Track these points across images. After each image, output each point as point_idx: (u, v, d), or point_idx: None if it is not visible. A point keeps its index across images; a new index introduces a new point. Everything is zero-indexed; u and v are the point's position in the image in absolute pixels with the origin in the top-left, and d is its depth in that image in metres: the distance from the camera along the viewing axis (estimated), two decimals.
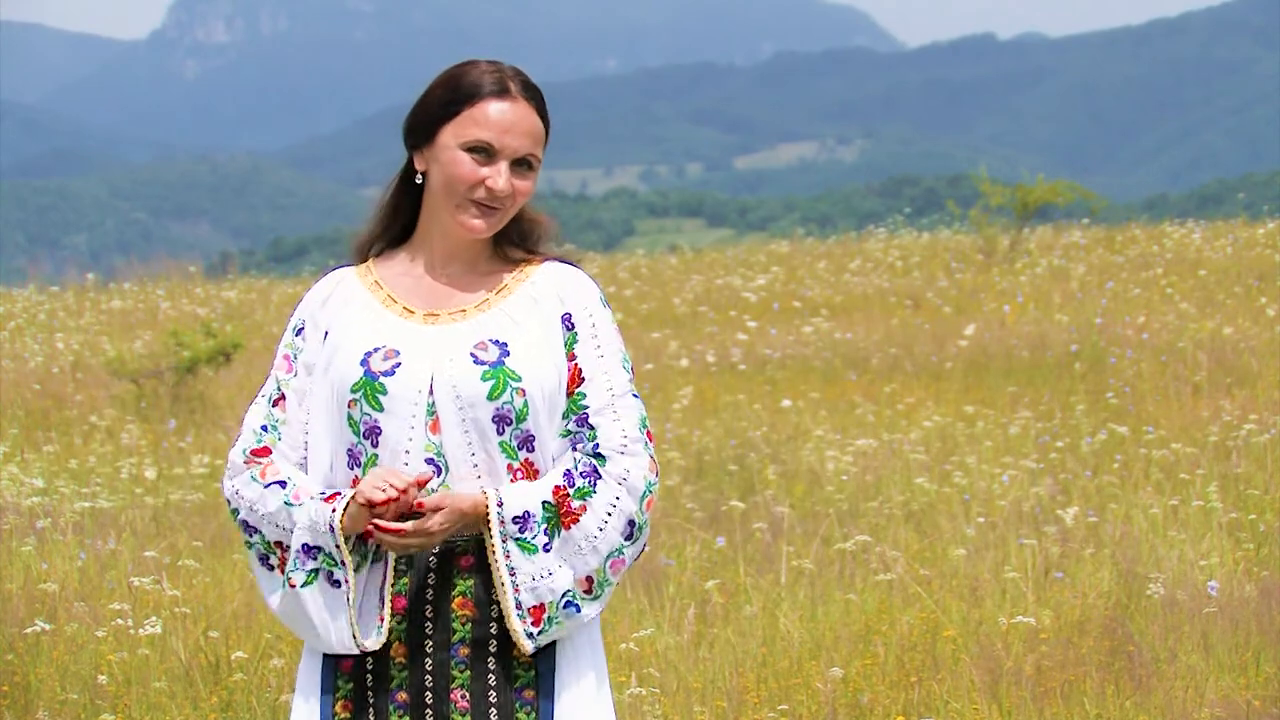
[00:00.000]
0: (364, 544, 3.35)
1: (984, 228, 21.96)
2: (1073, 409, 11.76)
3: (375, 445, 3.33)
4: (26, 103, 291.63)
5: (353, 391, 3.34)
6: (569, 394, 3.40)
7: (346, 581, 3.30)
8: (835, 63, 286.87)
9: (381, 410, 3.33)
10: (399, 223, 3.49)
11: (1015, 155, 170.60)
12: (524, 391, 3.34)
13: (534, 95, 3.42)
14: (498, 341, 3.37)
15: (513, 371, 3.34)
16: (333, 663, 3.37)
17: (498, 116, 3.36)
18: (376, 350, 3.36)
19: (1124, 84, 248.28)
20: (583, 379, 3.41)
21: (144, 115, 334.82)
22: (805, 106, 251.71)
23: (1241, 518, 8.41)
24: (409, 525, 3.27)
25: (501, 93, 3.38)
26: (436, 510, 3.28)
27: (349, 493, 3.31)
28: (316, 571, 3.32)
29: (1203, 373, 12.71)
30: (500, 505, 3.31)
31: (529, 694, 3.34)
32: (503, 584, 3.30)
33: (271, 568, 3.39)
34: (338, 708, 3.36)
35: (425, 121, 3.40)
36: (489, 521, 3.31)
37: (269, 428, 3.42)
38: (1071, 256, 21.12)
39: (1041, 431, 11.02)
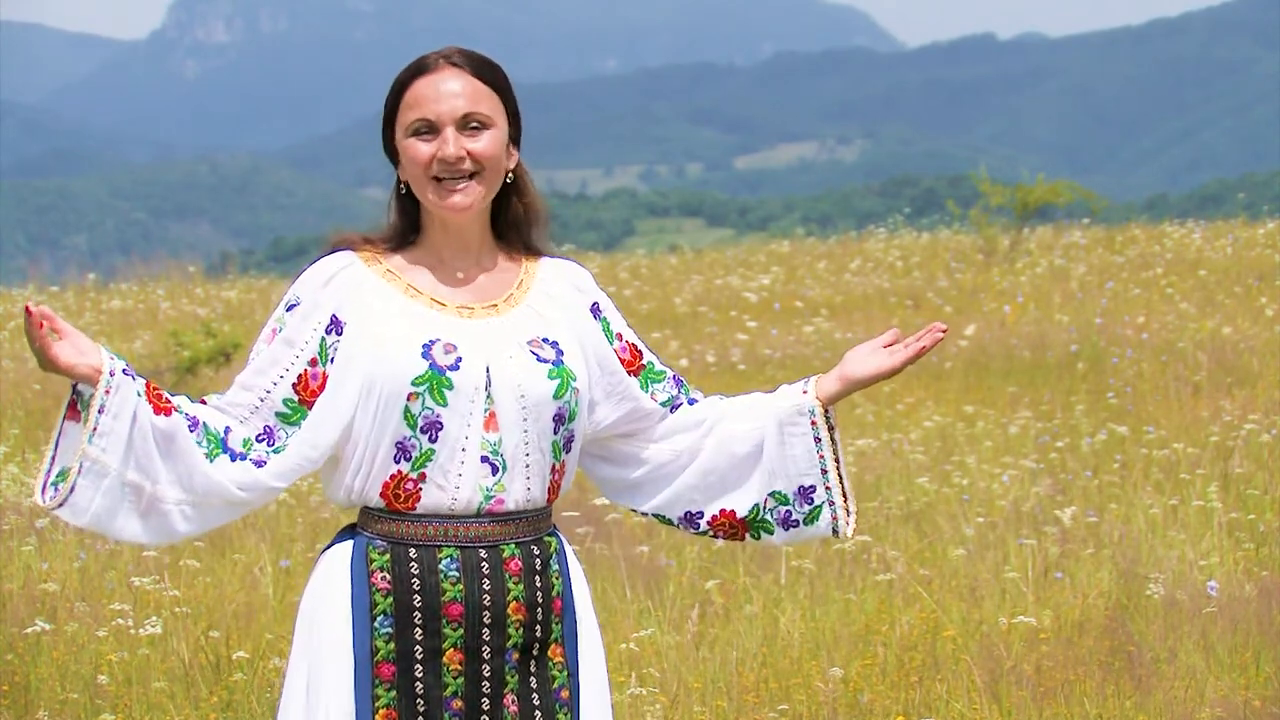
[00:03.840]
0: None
1: (984, 228, 21.95)
2: (1073, 409, 11.76)
3: (433, 440, 3.26)
4: (26, 103, 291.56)
5: (415, 385, 3.25)
6: (637, 371, 3.49)
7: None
8: (835, 63, 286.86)
9: (446, 405, 3.25)
10: (409, 238, 3.43)
11: (1015, 155, 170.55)
12: (578, 391, 3.35)
13: (470, 61, 3.36)
14: (549, 340, 3.35)
15: (571, 371, 3.34)
16: (368, 672, 3.28)
17: (425, 90, 3.33)
18: (435, 342, 3.28)
19: (1124, 84, 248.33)
20: (639, 351, 3.51)
21: (144, 115, 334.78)
22: (805, 106, 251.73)
23: (1241, 518, 8.41)
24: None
25: (423, 71, 3.35)
26: None
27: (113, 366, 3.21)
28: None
29: (1203, 373, 12.70)
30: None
31: (565, 694, 3.34)
32: (843, 478, 3.49)
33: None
34: (379, 717, 3.26)
35: (385, 132, 3.41)
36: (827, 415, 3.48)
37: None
38: (1071, 256, 21.12)
39: (1041, 431, 11.02)
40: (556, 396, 3.31)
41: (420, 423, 3.26)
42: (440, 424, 3.26)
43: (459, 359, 3.28)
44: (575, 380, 3.34)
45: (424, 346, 3.28)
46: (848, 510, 3.45)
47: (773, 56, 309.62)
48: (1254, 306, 16.01)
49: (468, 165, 3.32)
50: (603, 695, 3.42)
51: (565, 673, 3.34)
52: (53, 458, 3.22)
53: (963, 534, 8.48)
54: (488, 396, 3.28)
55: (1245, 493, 8.89)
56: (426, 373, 3.26)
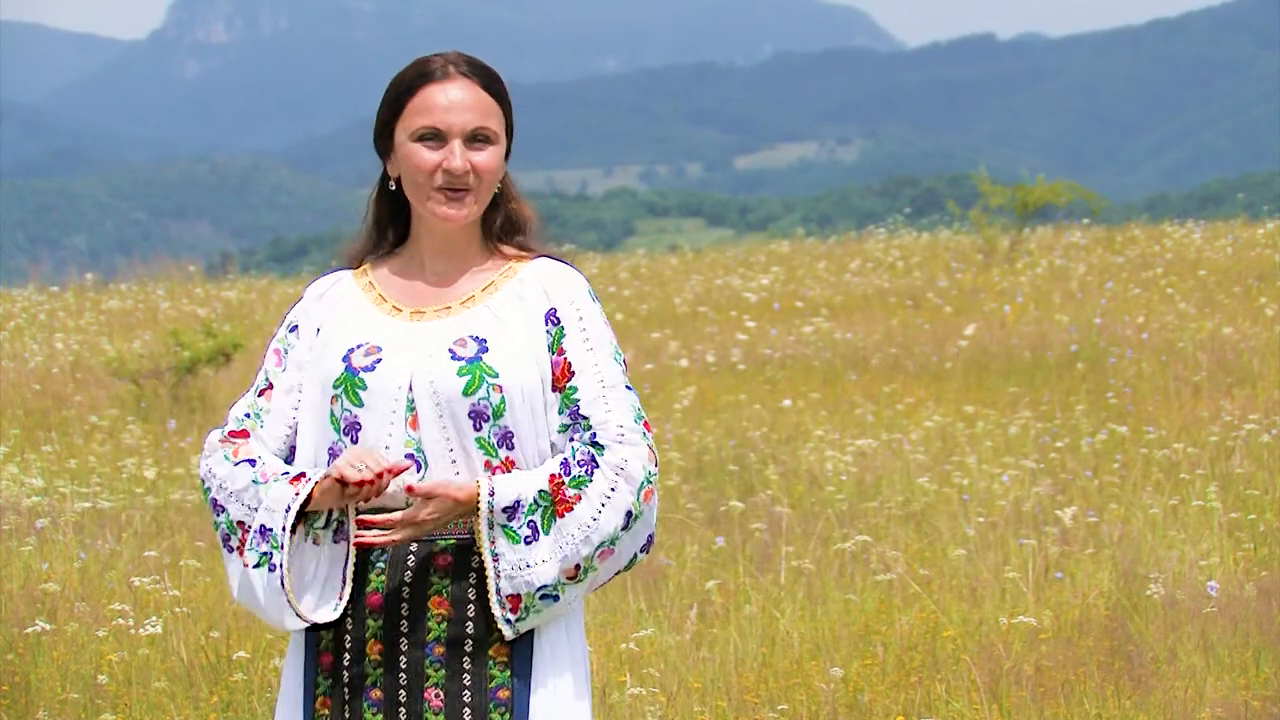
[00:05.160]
0: (329, 516, 3.35)
1: (984, 228, 21.95)
2: (1073, 409, 11.76)
3: (355, 442, 3.34)
4: (26, 103, 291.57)
5: (334, 387, 3.36)
6: (559, 389, 3.38)
7: (280, 566, 3.29)
8: (835, 63, 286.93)
9: (361, 406, 3.33)
10: (387, 235, 3.50)
11: (1015, 155, 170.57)
12: (501, 388, 3.33)
13: (479, 73, 3.41)
14: (477, 338, 3.36)
15: (489, 367, 3.33)
16: (314, 661, 3.39)
17: (437, 99, 3.37)
18: (359, 347, 3.37)
19: (1124, 84, 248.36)
20: (572, 373, 3.38)
21: (144, 115, 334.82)
22: (805, 106, 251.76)
23: (1241, 518, 8.41)
24: (398, 515, 3.29)
25: (437, 77, 3.38)
26: (429, 498, 3.29)
27: (316, 473, 3.32)
28: (268, 554, 3.32)
29: (1203, 373, 12.70)
30: (492, 494, 3.30)
31: (504, 694, 3.33)
32: (486, 569, 3.31)
33: (232, 549, 3.39)
34: (318, 704, 3.37)
35: (381, 127, 3.44)
36: (479, 510, 3.30)
37: (251, 415, 3.44)
38: (1072, 256, 21.13)
39: (1042, 431, 11.02)
40: (466, 393, 3.32)
41: (342, 424, 3.36)
42: (359, 425, 3.34)
43: (377, 361, 3.35)
44: (496, 377, 3.32)
45: (347, 351, 3.37)
46: (502, 606, 3.32)
47: (773, 56, 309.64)
48: (1254, 306, 16.00)
49: (470, 179, 3.37)
50: (566, 703, 3.37)
51: (508, 673, 3.33)
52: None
53: (963, 534, 8.48)
54: (410, 396, 3.34)
55: (1245, 493, 8.89)
56: (342, 375, 3.36)
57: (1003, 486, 9.46)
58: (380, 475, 3.26)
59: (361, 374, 3.34)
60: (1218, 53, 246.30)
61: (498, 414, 3.33)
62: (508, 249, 3.48)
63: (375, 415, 3.33)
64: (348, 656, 3.34)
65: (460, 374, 3.32)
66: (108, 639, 6.63)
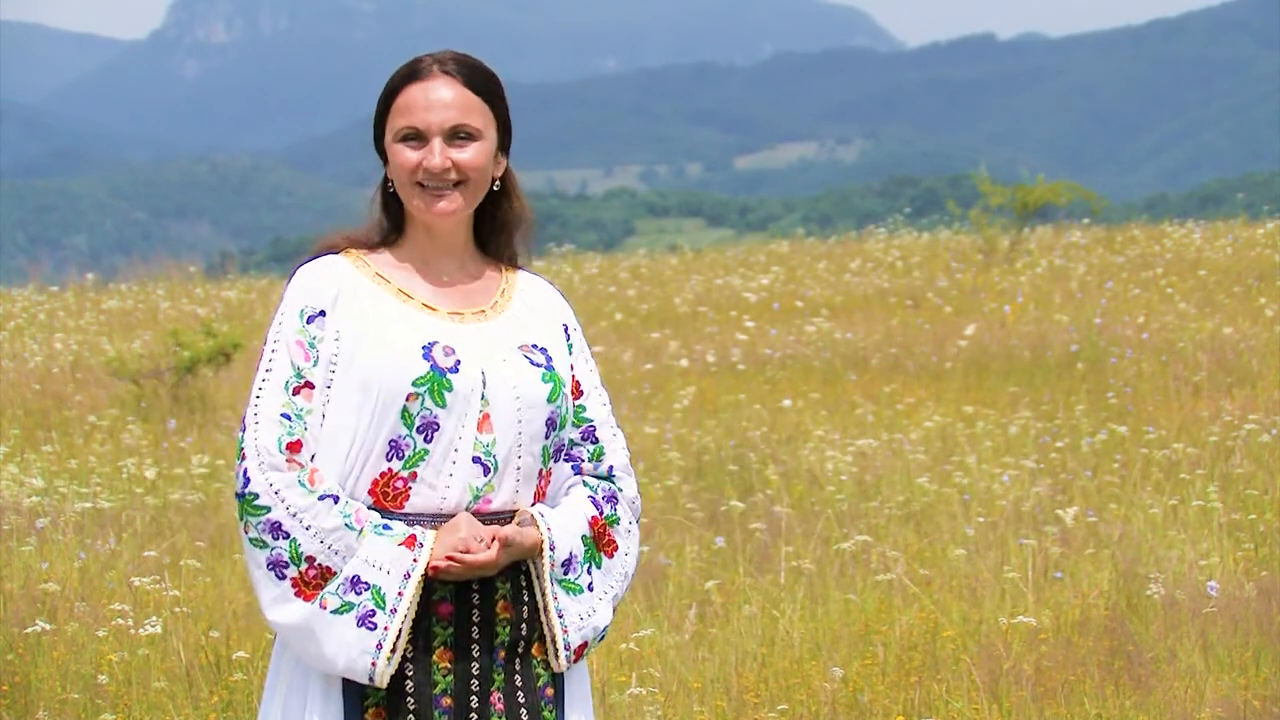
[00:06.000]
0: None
1: (984, 228, 21.95)
2: (1073, 409, 11.75)
3: (428, 441, 3.28)
4: (26, 103, 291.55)
5: (415, 385, 3.28)
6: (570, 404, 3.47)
7: (386, 629, 3.24)
8: (835, 63, 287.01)
9: (444, 406, 3.29)
10: (392, 233, 3.47)
11: (1015, 155, 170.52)
12: (569, 398, 3.41)
13: (463, 70, 3.38)
14: (538, 346, 3.39)
15: (561, 377, 3.39)
16: None
17: (416, 98, 3.36)
18: (434, 344, 3.32)
19: (1124, 84, 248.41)
20: (581, 391, 3.47)
21: (144, 115, 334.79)
22: (805, 106, 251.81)
23: (1241, 518, 8.41)
24: (478, 558, 3.26)
25: (417, 76, 3.38)
26: (506, 545, 3.29)
27: (427, 537, 3.26)
28: (353, 605, 3.25)
29: (1203, 373, 12.70)
30: (553, 549, 3.34)
31: (550, 691, 3.39)
32: (551, 627, 3.35)
33: (284, 578, 3.24)
34: (369, 715, 3.29)
35: (376, 132, 3.44)
36: (541, 564, 3.34)
37: (292, 417, 3.27)
38: (1071, 256, 21.12)
39: (1042, 431, 11.01)
40: (550, 400, 3.36)
41: (417, 422, 3.29)
42: (437, 425, 3.30)
43: (458, 362, 3.32)
44: (565, 386, 3.40)
45: (424, 348, 3.31)
46: (555, 646, 3.38)
47: (773, 56, 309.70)
48: (1254, 306, 16.00)
49: (453, 175, 3.36)
50: (584, 691, 3.48)
51: (549, 671, 3.39)
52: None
53: (963, 534, 8.48)
54: (482, 399, 3.32)
55: (1245, 493, 8.89)
56: (428, 374, 3.29)
57: (1003, 486, 9.45)
58: (493, 543, 3.28)
59: (448, 375, 3.29)
60: (1218, 53, 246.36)
61: (563, 423, 3.40)
62: (493, 256, 3.49)
63: (453, 417, 3.29)
64: (411, 667, 3.28)
65: (545, 380, 3.36)
66: (108, 639, 6.62)
